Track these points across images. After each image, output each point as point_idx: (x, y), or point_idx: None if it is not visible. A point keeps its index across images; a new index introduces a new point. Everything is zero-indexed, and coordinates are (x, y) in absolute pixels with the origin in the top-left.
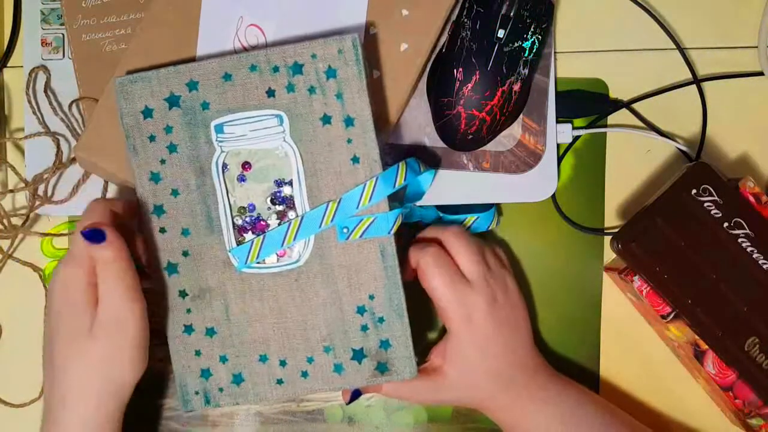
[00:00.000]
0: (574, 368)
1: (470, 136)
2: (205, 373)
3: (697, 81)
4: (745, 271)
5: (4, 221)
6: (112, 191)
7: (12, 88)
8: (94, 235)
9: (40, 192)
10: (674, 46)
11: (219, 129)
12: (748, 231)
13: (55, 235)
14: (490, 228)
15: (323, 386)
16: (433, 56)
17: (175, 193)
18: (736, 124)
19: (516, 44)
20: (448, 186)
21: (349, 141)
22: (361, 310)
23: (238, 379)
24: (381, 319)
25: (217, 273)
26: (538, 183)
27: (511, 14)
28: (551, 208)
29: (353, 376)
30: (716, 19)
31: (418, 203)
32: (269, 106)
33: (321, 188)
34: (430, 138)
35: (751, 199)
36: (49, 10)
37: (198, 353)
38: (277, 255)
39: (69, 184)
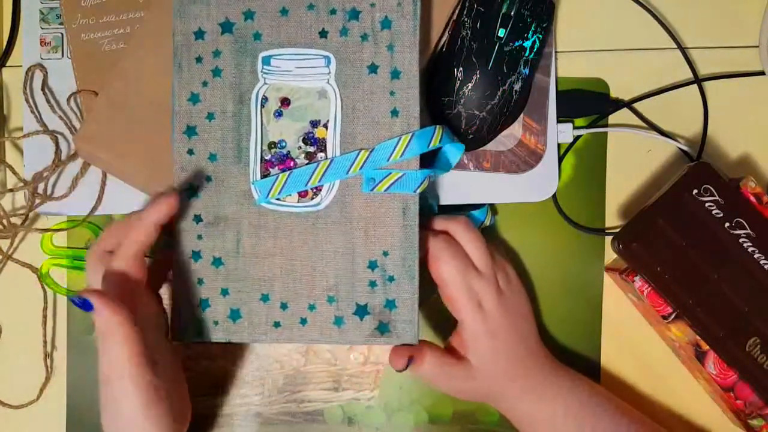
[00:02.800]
0: (574, 368)
1: (470, 136)
2: (204, 304)
3: (698, 80)
4: (746, 271)
5: (4, 221)
6: (110, 183)
7: (11, 87)
8: (82, 305)
9: (40, 190)
10: (675, 46)
11: (266, 61)
12: (749, 231)
13: (55, 230)
14: (483, 226)
15: (320, 337)
16: (434, 56)
17: (210, 116)
18: (737, 123)
19: (517, 43)
20: (448, 186)
21: (392, 93)
22: (372, 265)
23: (235, 315)
24: (391, 278)
25: (236, 203)
26: (539, 183)
27: (512, 13)
28: (552, 208)
29: (352, 332)
30: (717, 18)
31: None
32: (319, 47)
33: (355, 135)
34: None
35: (752, 199)
36: (48, 9)
37: (200, 282)
38: (299, 195)
39: (69, 182)
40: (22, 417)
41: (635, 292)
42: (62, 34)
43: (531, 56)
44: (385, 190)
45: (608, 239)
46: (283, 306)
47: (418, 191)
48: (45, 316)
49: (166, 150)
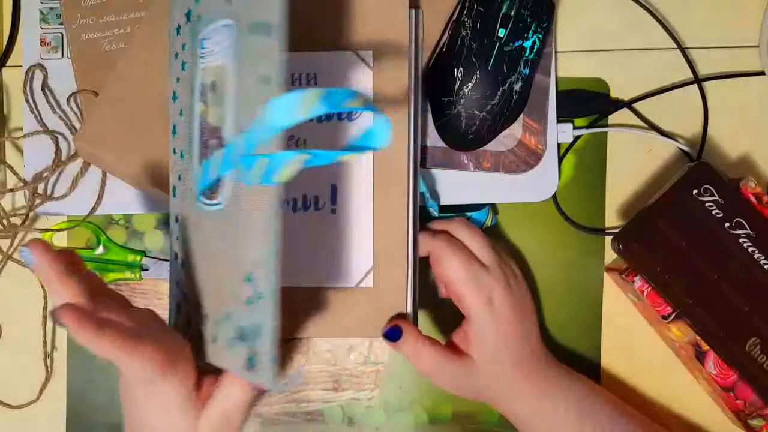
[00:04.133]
0: (574, 368)
1: (470, 136)
2: (177, 309)
3: (698, 80)
4: (746, 271)
5: (4, 221)
6: (110, 183)
7: (11, 87)
8: None
9: (40, 190)
10: (675, 46)
11: (202, 44)
12: (749, 231)
13: (55, 230)
14: (484, 226)
15: (221, 362)
16: (434, 56)
17: (181, 113)
18: (737, 123)
19: (517, 43)
20: (448, 186)
21: (262, 55)
22: (248, 279)
23: (186, 324)
24: (260, 296)
25: (187, 201)
26: (539, 183)
27: (512, 13)
28: (552, 208)
29: (233, 360)
30: (717, 18)
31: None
32: (225, 15)
33: (240, 113)
34: (430, 138)
35: (752, 199)
36: (48, 9)
37: (177, 284)
38: (208, 195)
39: (69, 182)
40: (22, 417)
41: (635, 292)
42: (62, 34)
43: (531, 56)
44: (260, 182)
45: (608, 239)
46: (206, 318)
47: (280, 180)
48: (45, 316)
49: (166, 150)
